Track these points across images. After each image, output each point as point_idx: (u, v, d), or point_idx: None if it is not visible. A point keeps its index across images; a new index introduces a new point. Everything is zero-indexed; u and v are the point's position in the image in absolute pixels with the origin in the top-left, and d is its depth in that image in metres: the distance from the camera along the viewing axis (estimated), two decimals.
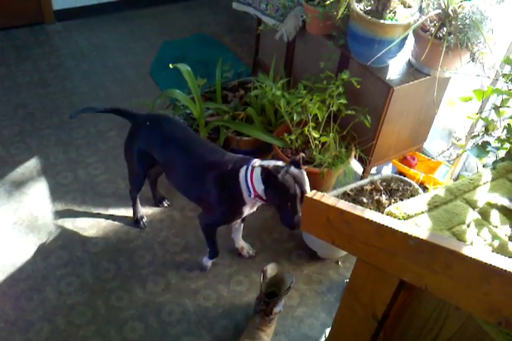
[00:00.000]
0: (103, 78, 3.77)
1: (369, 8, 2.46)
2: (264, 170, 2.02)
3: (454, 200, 1.31)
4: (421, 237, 1.04)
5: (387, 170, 3.16)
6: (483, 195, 1.33)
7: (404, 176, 2.75)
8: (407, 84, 2.51)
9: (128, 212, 2.82)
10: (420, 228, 1.22)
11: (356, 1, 2.48)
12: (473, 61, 2.35)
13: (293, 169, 2.06)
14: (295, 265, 2.65)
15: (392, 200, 2.56)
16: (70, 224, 2.77)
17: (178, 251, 2.68)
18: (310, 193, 1.30)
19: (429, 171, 2.90)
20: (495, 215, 1.28)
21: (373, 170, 3.08)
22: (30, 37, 4.13)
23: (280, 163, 2.09)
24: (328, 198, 1.25)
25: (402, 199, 2.54)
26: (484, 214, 1.28)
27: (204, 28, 4.39)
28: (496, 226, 1.26)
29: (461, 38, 2.25)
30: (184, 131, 2.40)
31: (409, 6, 2.49)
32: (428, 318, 1.27)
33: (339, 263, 2.68)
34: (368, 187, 2.61)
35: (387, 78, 2.52)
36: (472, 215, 1.27)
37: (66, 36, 4.19)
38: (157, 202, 2.89)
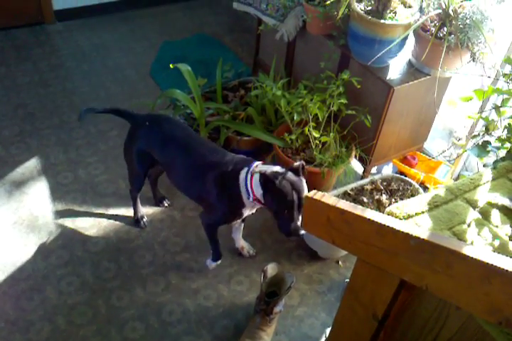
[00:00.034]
0: (103, 78, 3.78)
1: (369, 8, 2.46)
2: (263, 175, 2.01)
3: (455, 200, 1.31)
4: (421, 237, 1.04)
5: (387, 170, 3.16)
6: (484, 195, 1.33)
7: (405, 176, 2.75)
8: (407, 84, 2.51)
9: (128, 212, 2.82)
10: (421, 228, 1.22)
11: (357, 1, 2.48)
12: (473, 61, 2.35)
13: (292, 176, 2.05)
14: (295, 265, 2.65)
15: (393, 200, 2.56)
16: (70, 223, 2.77)
17: (178, 251, 2.68)
18: (310, 193, 1.30)
19: (430, 171, 2.90)
20: (495, 215, 1.28)
21: (374, 170, 3.08)
22: (30, 37, 4.13)
23: (280, 169, 2.09)
24: (329, 198, 1.25)
25: (402, 199, 2.54)
26: (485, 214, 1.28)
27: (204, 28, 4.39)
28: (497, 226, 1.26)
29: (461, 37, 2.25)
30: (184, 131, 2.40)
31: (410, 6, 2.49)
32: (428, 318, 1.27)
33: (339, 262, 2.68)
34: (369, 187, 2.61)
35: (387, 78, 2.52)
36: (473, 215, 1.27)
37: (66, 36, 4.19)
38: (157, 201, 2.89)
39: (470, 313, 1.10)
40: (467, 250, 0.98)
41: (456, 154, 2.91)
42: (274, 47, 3.28)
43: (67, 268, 2.57)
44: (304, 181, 2.08)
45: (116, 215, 2.84)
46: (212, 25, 4.43)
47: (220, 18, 4.54)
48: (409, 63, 2.62)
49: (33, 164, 3.08)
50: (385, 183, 2.65)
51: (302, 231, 2.04)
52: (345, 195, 2.59)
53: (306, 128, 2.66)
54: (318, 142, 2.69)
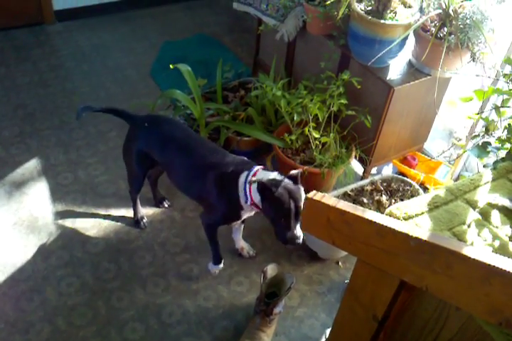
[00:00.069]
0: (103, 78, 3.78)
1: (369, 8, 2.46)
2: (260, 184, 2.00)
3: (455, 201, 1.31)
4: (421, 238, 1.04)
5: (387, 171, 3.16)
6: (484, 196, 1.33)
7: (405, 176, 2.74)
8: (407, 84, 2.51)
9: (128, 213, 2.82)
10: (421, 228, 1.22)
11: (357, 1, 2.48)
12: (473, 61, 2.35)
13: (289, 184, 2.04)
14: (295, 265, 2.65)
15: (393, 201, 2.56)
16: (70, 224, 2.77)
17: (178, 252, 2.68)
18: (310, 193, 1.29)
19: (430, 171, 2.90)
20: (495, 215, 1.28)
21: (374, 171, 3.08)
22: (30, 37, 4.13)
23: (278, 176, 2.08)
24: (329, 199, 1.25)
25: (402, 200, 2.53)
26: (485, 215, 1.28)
27: (205, 28, 4.39)
28: (497, 227, 1.25)
29: (461, 38, 2.25)
30: (184, 131, 2.40)
31: (410, 6, 2.49)
32: (428, 319, 1.27)
33: (339, 263, 2.68)
34: (369, 188, 2.61)
35: (387, 78, 2.52)
36: (473, 215, 1.27)
37: (66, 36, 4.19)
38: (157, 202, 2.89)
39: (470, 314, 1.10)
40: (467, 251, 0.98)
41: (456, 155, 2.91)
42: (274, 47, 3.28)
43: (67, 269, 2.56)
44: (302, 189, 2.07)
45: (116, 216, 2.83)
46: (213, 26, 4.43)
47: (220, 18, 4.54)
48: (410, 63, 2.62)
49: (32, 165, 3.08)
50: (385, 184, 2.64)
51: (299, 240, 2.03)
52: (345, 196, 2.59)
53: (306, 129, 2.66)
54: (318, 142, 2.69)
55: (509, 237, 1.23)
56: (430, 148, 3.13)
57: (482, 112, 2.20)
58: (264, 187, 2.00)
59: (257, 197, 2.08)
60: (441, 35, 2.34)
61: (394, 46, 2.36)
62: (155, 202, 2.89)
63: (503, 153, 1.71)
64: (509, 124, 1.74)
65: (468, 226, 1.24)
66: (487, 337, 1.07)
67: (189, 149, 2.32)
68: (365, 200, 2.54)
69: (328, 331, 2.38)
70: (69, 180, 3.01)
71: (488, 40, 2.24)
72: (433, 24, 2.40)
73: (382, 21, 2.37)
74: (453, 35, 2.29)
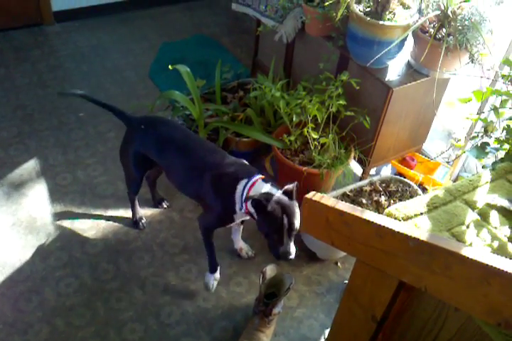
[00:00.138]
0: (102, 79, 3.77)
1: (368, 9, 2.46)
2: (254, 200, 1.99)
3: (454, 201, 1.31)
4: (420, 238, 1.04)
5: (386, 171, 3.16)
6: (483, 196, 1.33)
7: (404, 177, 2.75)
8: (406, 85, 2.51)
9: (127, 213, 2.82)
10: (420, 229, 1.22)
11: (355, 3, 2.48)
12: (472, 62, 2.35)
13: (284, 199, 2.02)
14: (294, 266, 2.65)
15: (392, 201, 2.56)
16: (68, 225, 2.77)
17: (177, 252, 2.68)
18: (309, 194, 1.29)
19: (429, 172, 2.90)
20: (494, 216, 1.28)
21: (372, 171, 3.08)
22: (29, 38, 4.13)
23: (274, 189, 2.07)
24: (328, 199, 1.25)
25: (401, 200, 2.54)
26: (484, 215, 1.28)
27: (203, 29, 4.39)
28: (496, 227, 1.25)
29: (460, 39, 2.25)
30: (182, 132, 2.40)
31: (409, 7, 2.49)
32: (427, 319, 1.27)
33: (338, 264, 2.68)
34: (367, 188, 2.61)
35: (386, 79, 2.52)
36: (471, 216, 1.27)
37: (65, 37, 4.19)
38: (156, 203, 2.89)
39: (469, 314, 1.10)
40: (466, 251, 0.98)
41: (454, 155, 2.91)
42: (273, 48, 3.28)
43: (66, 269, 2.56)
44: (297, 205, 2.05)
45: (115, 217, 2.83)
46: (211, 27, 4.43)
47: (219, 19, 4.55)
48: (408, 64, 2.62)
49: (31, 165, 3.08)
50: (383, 184, 2.65)
51: (291, 256, 2.02)
52: (344, 197, 2.59)
53: (305, 130, 2.66)
54: (317, 143, 2.69)
55: (508, 238, 1.23)
56: (429, 148, 3.14)
57: (481, 113, 2.20)
58: (259, 203, 1.99)
59: (251, 209, 2.08)
60: (440, 36, 2.34)
61: (393, 47, 2.37)
62: (154, 203, 2.89)
63: (501, 154, 1.71)
64: (508, 125, 1.74)
65: (467, 226, 1.24)
66: (486, 338, 1.07)
67: (187, 149, 2.31)
68: (364, 201, 2.55)
69: (327, 331, 2.38)
70: (67, 181, 3.01)
71: (486, 41, 2.25)
72: (432, 25, 2.40)
73: (380, 22, 2.37)
74: (451, 37, 2.29)
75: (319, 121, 2.67)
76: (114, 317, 2.39)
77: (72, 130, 3.35)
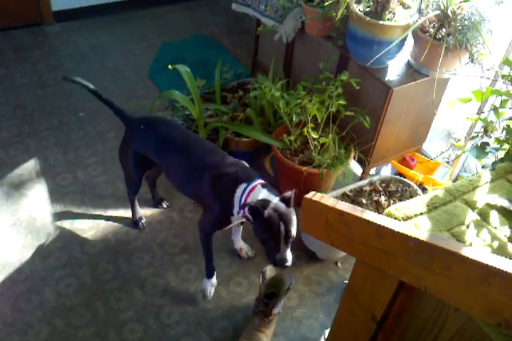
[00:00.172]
0: (102, 79, 3.77)
1: (368, 9, 2.46)
2: (251, 207, 1.98)
3: (454, 201, 1.31)
4: (420, 238, 1.04)
5: (386, 171, 3.16)
6: (483, 196, 1.33)
7: (404, 177, 2.75)
8: (406, 85, 2.51)
9: (127, 213, 2.82)
10: (419, 229, 1.22)
11: (355, 2, 2.48)
12: (472, 62, 2.35)
13: (281, 206, 2.01)
14: (294, 266, 2.64)
15: (391, 201, 2.56)
16: (68, 225, 2.77)
17: (177, 252, 2.68)
18: (309, 194, 1.29)
19: (428, 172, 2.90)
20: (494, 216, 1.28)
21: (372, 171, 3.08)
22: (29, 38, 4.13)
23: (271, 196, 2.06)
24: (328, 199, 1.25)
25: (401, 201, 2.54)
26: (483, 215, 1.28)
27: (203, 29, 4.39)
28: (496, 227, 1.25)
29: (460, 39, 2.25)
30: (181, 132, 2.40)
31: (409, 7, 2.49)
32: (427, 319, 1.27)
33: (338, 264, 2.68)
34: (367, 188, 2.61)
35: (386, 79, 2.52)
36: (471, 216, 1.27)
37: (65, 37, 4.19)
38: (156, 203, 2.88)
39: (469, 315, 1.10)
40: (466, 251, 0.98)
41: (454, 155, 2.91)
42: (272, 48, 3.28)
43: (66, 269, 2.56)
44: (294, 212, 2.04)
45: (115, 217, 2.83)
46: (211, 26, 4.43)
47: (219, 19, 4.54)
48: (408, 64, 2.62)
49: (31, 165, 3.08)
50: (383, 184, 2.65)
51: (288, 263, 2.01)
52: (343, 197, 2.59)
53: (305, 130, 2.66)
54: (316, 143, 2.69)
55: (508, 238, 1.23)
56: (429, 148, 3.14)
57: (481, 113, 2.20)
58: (255, 210, 1.98)
59: (249, 215, 2.07)
60: (440, 36, 2.34)
61: (392, 47, 2.37)
62: (154, 203, 2.89)
63: (501, 154, 1.71)
64: (508, 125, 1.74)
65: (467, 226, 1.24)
66: (486, 338, 1.07)
67: (187, 149, 2.31)
68: (363, 201, 2.55)
69: (326, 332, 2.38)
70: (67, 181, 3.01)
71: (486, 41, 2.25)
72: (431, 25, 2.40)
73: (380, 22, 2.37)
74: (451, 36, 2.29)
75: (319, 120, 2.66)
76: (114, 318, 2.39)
77: (72, 130, 3.35)
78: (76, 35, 4.21)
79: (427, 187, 2.77)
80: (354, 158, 2.82)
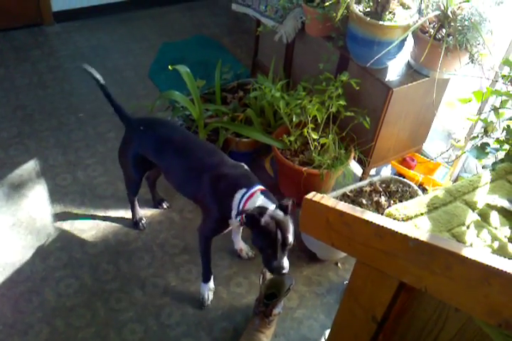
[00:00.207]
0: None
1: (368, 9, 2.46)
2: (247, 214, 1.98)
3: (454, 202, 1.31)
4: (421, 239, 1.04)
5: (386, 172, 3.16)
6: (483, 197, 1.33)
7: (404, 177, 2.75)
8: (406, 86, 2.51)
9: (127, 214, 2.82)
10: (420, 229, 1.22)
11: (355, 3, 2.48)
12: (472, 62, 2.35)
13: (278, 214, 2.01)
14: (294, 266, 2.64)
15: (392, 202, 2.56)
16: (68, 225, 2.77)
17: (177, 253, 2.68)
18: (309, 195, 1.29)
19: (429, 172, 2.90)
20: (494, 217, 1.28)
21: (372, 172, 3.08)
22: (29, 38, 4.13)
23: (269, 203, 2.06)
24: (328, 200, 1.25)
25: (401, 201, 2.54)
26: (484, 216, 1.28)
27: (203, 29, 4.39)
28: (496, 228, 1.25)
29: (460, 39, 2.25)
30: (181, 133, 2.39)
31: (409, 8, 2.49)
32: (428, 320, 1.27)
33: (338, 264, 2.68)
34: (367, 189, 2.61)
35: (386, 79, 2.52)
36: (472, 217, 1.27)
37: (65, 38, 4.19)
38: (156, 203, 2.88)
39: (469, 315, 1.10)
40: (466, 252, 0.98)
41: (454, 156, 2.91)
42: (272, 48, 3.28)
43: (66, 270, 2.56)
44: (291, 220, 2.03)
45: (115, 217, 2.83)
46: (211, 27, 4.43)
47: (219, 19, 4.54)
48: (408, 65, 2.62)
49: (31, 166, 3.08)
50: (383, 185, 2.65)
51: (285, 271, 2.01)
52: (344, 197, 2.59)
53: (305, 130, 2.66)
54: (317, 144, 2.69)
55: (508, 238, 1.23)
56: (429, 149, 3.14)
57: (481, 113, 2.20)
58: (252, 217, 1.98)
59: (246, 222, 2.07)
60: (440, 36, 2.34)
61: (392, 47, 2.37)
62: (154, 203, 2.89)
63: (501, 154, 1.71)
64: (508, 125, 1.74)
65: (468, 227, 1.24)
66: (486, 339, 1.07)
67: (186, 150, 2.30)
68: (364, 201, 2.54)
69: (327, 332, 2.38)
70: (67, 181, 3.01)
71: (486, 41, 2.25)
72: (431, 25, 2.40)
73: (380, 23, 2.37)
74: (451, 37, 2.29)
75: (319, 121, 2.66)
76: (114, 318, 2.39)
77: (72, 130, 3.35)
78: (76, 36, 4.22)
79: (427, 187, 2.77)
80: (354, 158, 2.82)
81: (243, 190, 2.12)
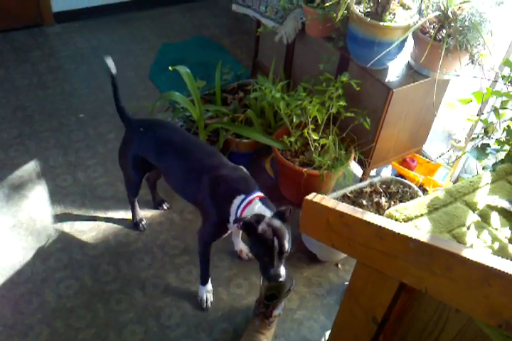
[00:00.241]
0: (102, 80, 3.77)
1: (368, 10, 2.46)
2: (244, 222, 1.98)
3: (454, 203, 1.31)
4: (421, 240, 1.04)
5: (386, 173, 3.16)
6: (483, 197, 1.33)
7: (404, 178, 2.74)
8: (406, 86, 2.51)
9: (127, 215, 2.82)
10: (420, 230, 1.22)
11: (356, 3, 2.48)
12: (472, 63, 2.35)
13: (276, 222, 2.00)
14: (295, 267, 2.64)
15: (392, 203, 2.56)
16: (69, 226, 2.77)
17: (177, 254, 2.68)
18: (310, 196, 1.29)
19: (429, 173, 2.90)
20: (495, 217, 1.28)
21: (373, 173, 3.08)
22: (29, 39, 4.13)
23: (268, 212, 2.04)
24: (328, 200, 1.25)
25: (401, 202, 2.53)
26: (484, 217, 1.28)
27: (203, 30, 4.39)
28: (496, 229, 1.25)
29: (460, 39, 2.25)
30: (181, 135, 2.39)
31: (409, 8, 2.49)
32: (428, 321, 1.27)
33: (339, 265, 2.68)
34: (368, 190, 2.61)
35: (386, 80, 2.52)
36: (472, 217, 1.27)
37: (65, 38, 4.19)
38: (156, 204, 2.88)
39: (470, 316, 1.09)
40: (467, 253, 0.97)
41: (455, 156, 2.91)
42: (273, 49, 3.28)
43: (66, 271, 2.56)
44: (288, 228, 2.02)
45: (115, 218, 2.83)
46: (211, 28, 4.43)
47: (219, 20, 4.55)
48: (408, 65, 2.62)
49: (31, 167, 3.08)
50: (384, 186, 2.64)
51: (281, 278, 2.00)
52: (344, 198, 2.59)
53: (305, 131, 2.66)
54: (317, 144, 2.69)
55: (508, 239, 1.23)
56: (429, 150, 3.13)
57: (481, 114, 2.20)
58: (249, 225, 1.98)
59: (243, 229, 2.06)
60: (440, 37, 2.34)
61: (393, 48, 2.36)
62: (154, 205, 2.89)
63: (502, 155, 1.71)
64: (508, 126, 1.74)
65: (468, 228, 1.24)
66: (487, 340, 1.06)
67: (186, 152, 2.30)
68: (364, 202, 2.54)
69: (327, 333, 2.38)
70: (68, 182, 3.01)
71: (486, 42, 2.24)
72: (432, 26, 2.40)
73: (381, 23, 2.37)
74: (452, 37, 2.29)
75: (319, 122, 2.66)
76: (115, 319, 2.38)
77: (73, 131, 3.35)
78: (76, 36, 4.22)
79: (427, 188, 2.77)
80: (354, 159, 2.82)
81: (242, 197, 2.11)
